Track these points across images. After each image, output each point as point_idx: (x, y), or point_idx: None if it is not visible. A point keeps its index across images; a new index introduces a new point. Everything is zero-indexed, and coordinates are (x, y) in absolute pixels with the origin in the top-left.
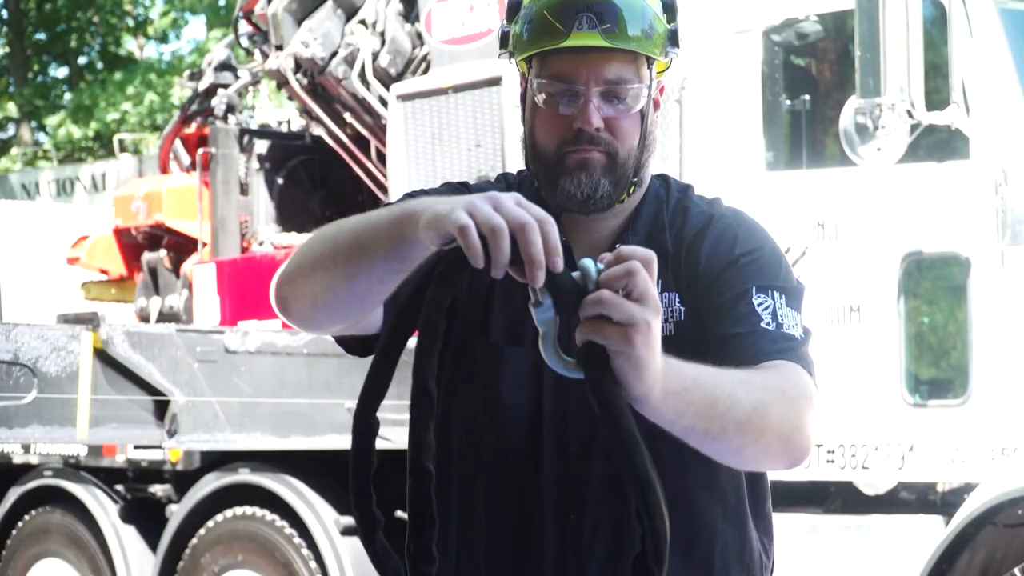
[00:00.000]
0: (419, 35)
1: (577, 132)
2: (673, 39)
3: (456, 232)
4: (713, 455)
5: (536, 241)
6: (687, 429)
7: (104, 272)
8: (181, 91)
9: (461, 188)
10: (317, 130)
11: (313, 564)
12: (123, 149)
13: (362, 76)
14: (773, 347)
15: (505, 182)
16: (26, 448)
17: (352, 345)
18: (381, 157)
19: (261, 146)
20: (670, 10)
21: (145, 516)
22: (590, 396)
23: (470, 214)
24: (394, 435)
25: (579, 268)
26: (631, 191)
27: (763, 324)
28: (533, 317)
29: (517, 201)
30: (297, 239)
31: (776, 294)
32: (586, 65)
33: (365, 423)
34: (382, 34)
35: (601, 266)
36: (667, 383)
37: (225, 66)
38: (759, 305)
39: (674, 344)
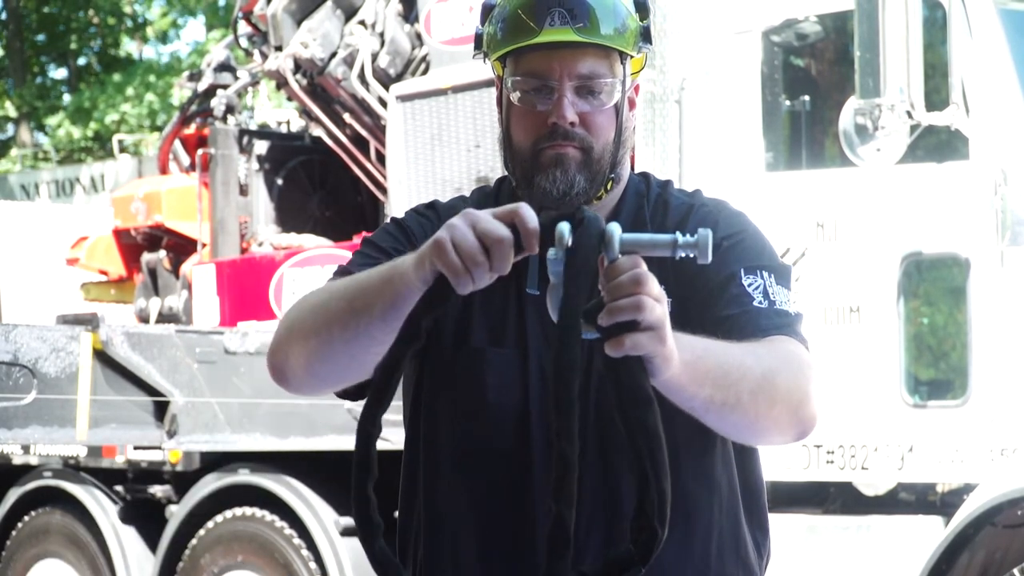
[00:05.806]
0: (418, 36)
1: (552, 127)
2: (645, 36)
3: (434, 254)
4: (730, 431)
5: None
6: (706, 402)
7: (103, 273)
8: (180, 92)
9: (428, 211)
10: (316, 131)
11: (313, 565)
12: (122, 150)
13: (361, 77)
14: (769, 323)
15: (481, 194)
16: (26, 449)
17: (350, 392)
18: (380, 158)
19: (260, 147)
20: (642, 8)
21: (145, 517)
22: (604, 363)
23: (447, 237)
24: (394, 436)
25: (604, 229)
26: (608, 188)
27: (755, 303)
28: (547, 268)
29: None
30: (296, 240)
31: (764, 274)
32: (559, 60)
33: (368, 429)
34: (381, 35)
35: (623, 235)
36: (681, 354)
37: (224, 67)
38: (749, 285)
39: None
